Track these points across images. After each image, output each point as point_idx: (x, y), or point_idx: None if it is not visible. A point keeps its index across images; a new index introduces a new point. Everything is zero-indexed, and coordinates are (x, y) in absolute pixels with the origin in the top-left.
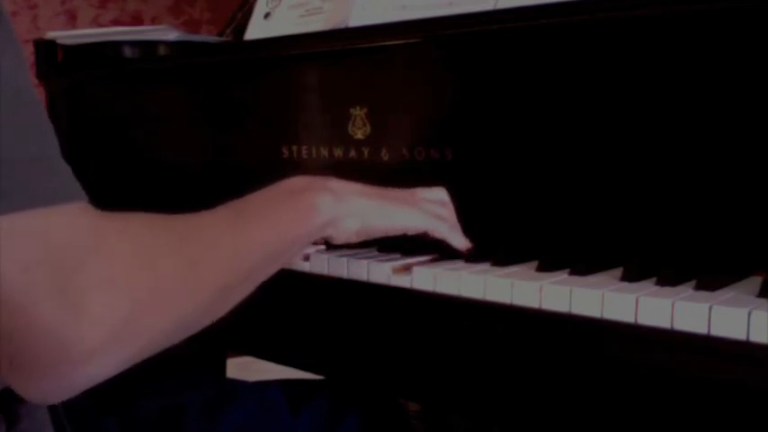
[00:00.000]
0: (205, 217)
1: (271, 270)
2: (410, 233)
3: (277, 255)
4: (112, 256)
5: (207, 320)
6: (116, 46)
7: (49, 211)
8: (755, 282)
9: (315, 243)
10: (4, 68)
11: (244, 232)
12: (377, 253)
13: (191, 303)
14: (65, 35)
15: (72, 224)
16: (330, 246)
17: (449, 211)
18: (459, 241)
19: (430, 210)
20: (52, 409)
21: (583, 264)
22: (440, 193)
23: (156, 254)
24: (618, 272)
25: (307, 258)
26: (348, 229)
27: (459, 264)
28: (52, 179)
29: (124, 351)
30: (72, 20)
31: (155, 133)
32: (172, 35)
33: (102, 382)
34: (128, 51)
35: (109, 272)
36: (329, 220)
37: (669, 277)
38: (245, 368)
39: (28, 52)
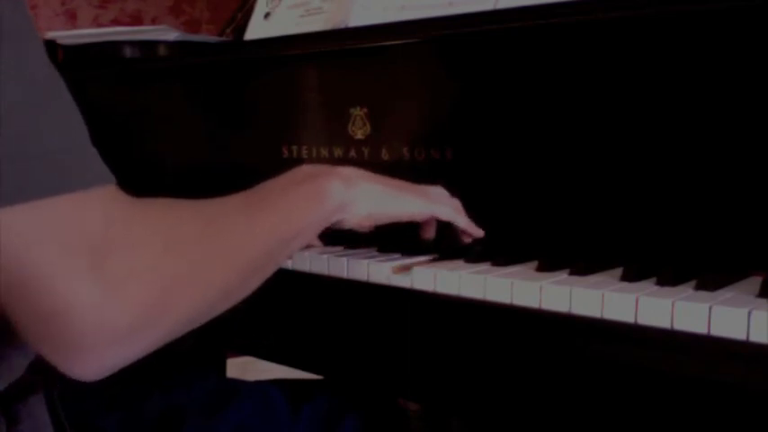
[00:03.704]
0: (223, 203)
1: (287, 253)
2: (417, 219)
3: (291, 238)
4: (142, 241)
5: (229, 303)
6: (116, 46)
7: (83, 196)
8: (755, 282)
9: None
10: (32, 59)
11: (259, 218)
12: (376, 253)
13: (214, 286)
14: (65, 35)
15: (105, 209)
16: (331, 241)
17: (454, 201)
18: (466, 222)
19: (438, 198)
20: (52, 409)
21: (583, 264)
22: (441, 189)
23: (181, 239)
24: (618, 272)
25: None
26: (358, 214)
27: (460, 264)
28: (85, 164)
29: (155, 332)
30: (72, 20)
31: (155, 133)
32: (172, 35)
33: (101, 381)
34: (128, 51)
35: (139, 257)
36: (340, 205)
37: (669, 277)
38: (245, 368)
39: None
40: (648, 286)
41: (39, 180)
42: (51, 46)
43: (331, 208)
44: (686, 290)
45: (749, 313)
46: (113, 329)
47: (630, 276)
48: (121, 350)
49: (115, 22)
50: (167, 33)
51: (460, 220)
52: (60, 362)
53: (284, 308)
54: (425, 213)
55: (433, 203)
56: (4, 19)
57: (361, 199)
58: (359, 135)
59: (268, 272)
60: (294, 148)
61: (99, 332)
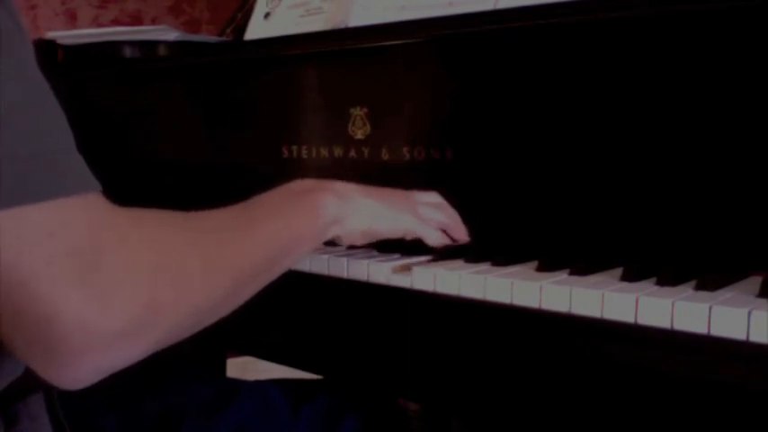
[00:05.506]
0: (215, 215)
1: (282, 266)
2: (407, 238)
3: (286, 253)
4: (131, 246)
5: (221, 313)
6: (116, 46)
7: (68, 202)
8: (755, 282)
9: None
10: (30, 61)
11: (253, 230)
12: (376, 253)
13: (205, 295)
14: (65, 35)
15: (91, 215)
16: (330, 241)
17: (446, 212)
18: (436, 240)
19: (426, 216)
20: (51, 409)
21: (583, 264)
22: (435, 197)
23: (172, 246)
24: (618, 272)
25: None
26: (354, 230)
27: (460, 264)
28: (69, 170)
29: (145, 337)
30: (72, 20)
31: (155, 133)
32: (172, 35)
33: (101, 381)
34: (128, 51)
35: (128, 262)
36: (335, 219)
37: (669, 277)
38: (245, 368)
39: None
40: (648, 286)
41: (39, 182)
42: (51, 46)
43: (325, 222)
44: (686, 290)
45: (749, 313)
46: (102, 335)
47: (630, 276)
48: (110, 356)
49: (115, 22)
50: (167, 33)
51: (443, 242)
52: (48, 370)
53: (284, 308)
54: (415, 235)
55: (421, 226)
56: (2, 21)
57: (356, 214)
58: (359, 135)
59: (259, 285)
60: (294, 148)
61: (87, 337)
